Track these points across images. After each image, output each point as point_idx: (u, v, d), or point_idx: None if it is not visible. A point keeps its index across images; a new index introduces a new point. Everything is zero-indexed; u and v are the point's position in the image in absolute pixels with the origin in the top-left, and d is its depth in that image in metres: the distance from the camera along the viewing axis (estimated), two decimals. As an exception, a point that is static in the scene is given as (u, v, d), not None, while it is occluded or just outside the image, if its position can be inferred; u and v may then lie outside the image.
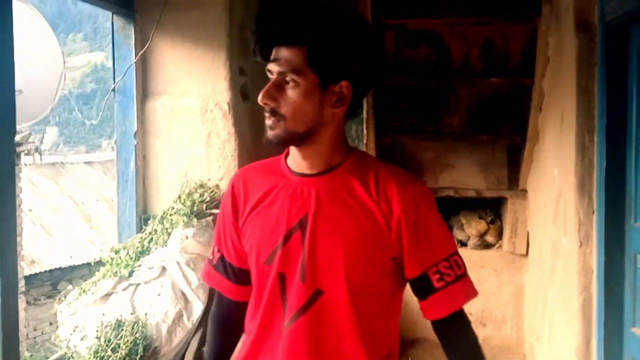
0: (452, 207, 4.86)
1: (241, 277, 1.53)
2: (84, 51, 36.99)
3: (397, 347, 1.50)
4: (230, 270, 1.55)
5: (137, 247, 3.85)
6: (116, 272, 3.73)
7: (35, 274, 10.22)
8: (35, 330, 9.74)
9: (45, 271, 10.47)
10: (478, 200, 4.65)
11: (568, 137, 2.86)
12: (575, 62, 2.73)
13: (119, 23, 4.12)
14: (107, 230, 11.40)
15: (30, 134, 8.20)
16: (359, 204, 1.38)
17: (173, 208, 3.99)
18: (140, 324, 3.49)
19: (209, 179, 4.14)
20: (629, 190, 2.39)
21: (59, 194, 12.47)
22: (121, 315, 3.52)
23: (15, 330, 2.99)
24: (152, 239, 3.88)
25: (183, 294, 3.66)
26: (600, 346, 2.50)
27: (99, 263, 3.93)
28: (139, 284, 3.69)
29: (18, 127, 5.21)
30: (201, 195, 4.04)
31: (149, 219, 4.08)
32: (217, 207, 4.09)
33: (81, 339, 3.53)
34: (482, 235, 4.70)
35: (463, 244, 4.80)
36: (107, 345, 3.40)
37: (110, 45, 4.19)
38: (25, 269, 9.56)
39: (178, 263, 3.70)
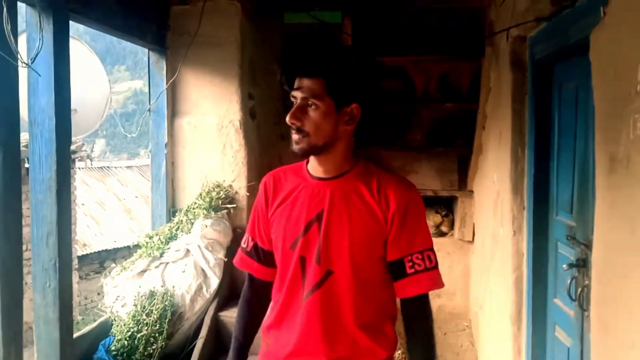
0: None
1: (269, 259, 1.53)
2: (126, 79, 36.80)
3: (396, 313, 1.51)
4: (262, 255, 1.54)
5: (167, 234, 3.83)
6: (150, 254, 3.71)
7: (86, 255, 10.16)
8: (85, 299, 9.67)
9: (94, 252, 10.41)
10: (435, 198, 4.65)
11: (505, 150, 2.87)
12: (511, 91, 2.74)
13: (153, 58, 4.11)
14: (143, 220, 11.34)
15: (83, 144, 8.17)
16: (364, 203, 1.39)
17: (195, 203, 3.98)
18: (169, 294, 3.48)
19: (224, 181, 4.14)
20: (552, 191, 2.40)
21: (105, 192, 12.40)
22: (154, 287, 3.51)
23: (70, 299, 2.98)
24: (178, 227, 3.87)
25: (203, 270, 3.65)
26: (529, 313, 2.51)
27: (137, 246, 3.92)
28: (168, 263, 3.67)
29: (73, 139, 5.18)
30: (218, 193, 4.03)
31: (176, 211, 4.07)
32: (230, 202, 4.08)
33: (122, 306, 3.51)
34: (438, 226, 4.72)
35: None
36: (142, 311, 3.38)
37: (147, 74, 4.18)
38: (78, 250, 9.50)
39: (199, 246, 3.69)
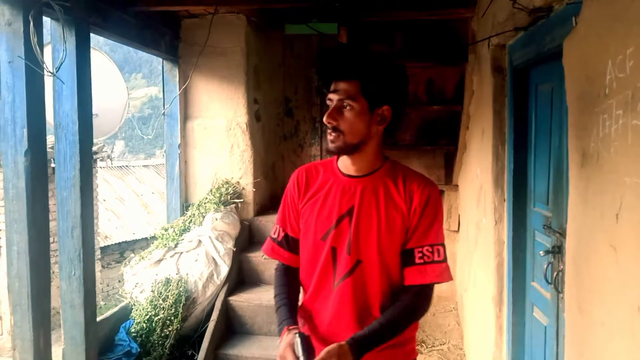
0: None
1: (297, 247, 1.52)
2: (143, 86, 36.71)
3: None
4: (292, 244, 1.53)
5: (181, 226, 3.84)
6: (165, 244, 3.72)
7: (108, 246, 10.15)
8: (107, 286, 9.67)
9: (115, 243, 10.39)
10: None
11: (487, 147, 2.86)
12: (492, 94, 2.73)
13: (167, 66, 4.11)
14: (159, 214, 11.33)
15: (104, 145, 8.16)
16: (391, 199, 1.39)
17: (206, 198, 3.98)
18: (183, 281, 3.48)
19: (232, 177, 4.14)
20: (530, 184, 2.40)
21: (125, 189, 12.38)
22: (169, 275, 3.52)
23: (93, 286, 2.99)
24: (191, 220, 3.87)
25: (213, 259, 3.66)
26: (510, 295, 2.51)
27: (153, 238, 3.92)
28: (182, 253, 3.68)
29: (95, 141, 5.18)
30: (226, 189, 4.03)
31: (189, 206, 4.07)
32: (238, 197, 4.09)
33: (140, 292, 3.52)
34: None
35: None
36: (159, 296, 3.39)
37: (161, 81, 4.18)
38: (100, 242, 9.50)
39: (210, 237, 3.69)
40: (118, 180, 12.48)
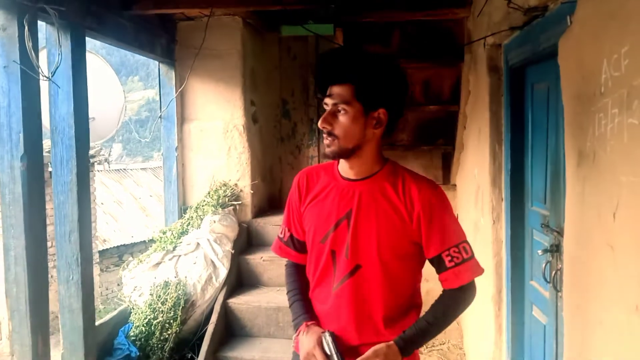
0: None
1: (304, 248, 1.53)
2: (140, 89, 36.68)
3: (421, 303, 1.50)
4: (298, 244, 1.54)
5: (179, 229, 3.83)
6: (164, 247, 3.71)
7: (106, 249, 10.13)
8: (106, 289, 9.65)
9: (113, 247, 10.38)
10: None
11: (484, 147, 2.87)
12: (488, 94, 2.74)
13: (164, 69, 4.10)
14: (157, 217, 11.31)
15: (101, 148, 8.14)
16: (390, 203, 1.38)
17: (204, 201, 3.98)
18: (182, 284, 3.48)
19: (230, 180, 4.13)
20: (527, 184, 2.40)
21: (123, 192, 12.36)
22: (168, 278, 3.51)
23: (92, 290, 2.98)
24: (189, 223, 3.87)
25: (212, 262, 3.65)
26: (509, 294, 2.51)
27: (152, 241, 3.91)
28: (180, 256, 3.67)
29: (92, 144, 5.17)
30: (224, 191, 4.03)
31: (186, 209, 4.06)
32: (236, 199, 4.08)
33: (139, 295, 3.51)
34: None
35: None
36: (157, 300, 3.38)
37: (158, 84, 4.17)
38: (99, 245, 9.48)
39: (208, 240, 3.69)
40: (116, 183, 12.46)
